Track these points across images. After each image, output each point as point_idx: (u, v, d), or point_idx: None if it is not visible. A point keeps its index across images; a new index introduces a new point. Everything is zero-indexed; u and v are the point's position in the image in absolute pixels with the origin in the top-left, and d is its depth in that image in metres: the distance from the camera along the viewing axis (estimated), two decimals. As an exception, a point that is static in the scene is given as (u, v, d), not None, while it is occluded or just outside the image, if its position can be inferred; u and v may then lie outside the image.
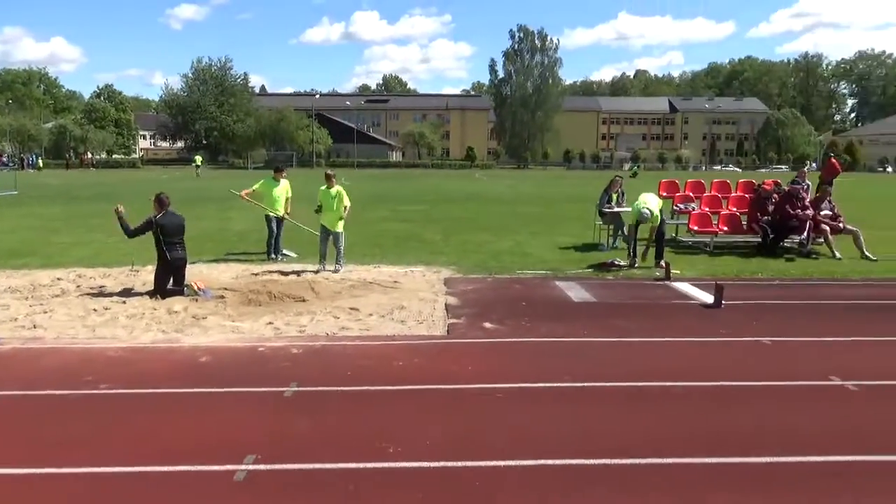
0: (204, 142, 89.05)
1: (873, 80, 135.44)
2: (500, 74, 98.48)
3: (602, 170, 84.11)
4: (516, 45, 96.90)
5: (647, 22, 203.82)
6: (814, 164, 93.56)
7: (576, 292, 8.71)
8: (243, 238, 13.48)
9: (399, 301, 8.27)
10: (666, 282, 9.47)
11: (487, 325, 7.07)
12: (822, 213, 11.96)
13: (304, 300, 8.45)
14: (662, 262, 10.13)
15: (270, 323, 7.19)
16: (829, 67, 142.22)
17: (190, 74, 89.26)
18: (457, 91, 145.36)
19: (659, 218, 10.35)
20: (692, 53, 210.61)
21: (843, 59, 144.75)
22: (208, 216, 17.94)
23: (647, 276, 9.86)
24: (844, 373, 5.43)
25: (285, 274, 9.81)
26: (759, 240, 12.01)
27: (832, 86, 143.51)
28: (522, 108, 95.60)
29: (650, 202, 10.27)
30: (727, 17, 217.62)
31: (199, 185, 36.69)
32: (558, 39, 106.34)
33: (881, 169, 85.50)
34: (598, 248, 12.42)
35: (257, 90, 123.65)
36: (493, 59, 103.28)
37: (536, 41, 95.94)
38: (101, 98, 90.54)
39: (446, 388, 5.13)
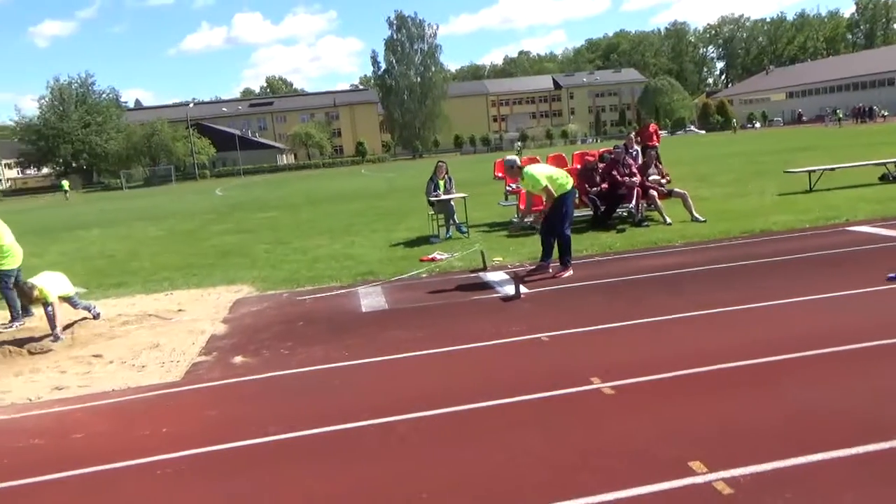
0: (73, 165, 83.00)
1: (736, 42, 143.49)
2: (383, 66, 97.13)
3: (493, 152, 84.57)
4: (395, 35, 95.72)
5: (529, 3, 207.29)
6: (692, 126, 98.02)
7: (371, 300, 7.71)
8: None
9: (158, 338, 7.02)
10: (481, 273, 8.67)
11: (238, 359, 5.95)
12: (649, 178, 11.55)
13: (45, 352, 7.05)
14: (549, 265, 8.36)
15: (-40, 395, 5.77)
16: (697, 33, 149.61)
17: (47, 96, 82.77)
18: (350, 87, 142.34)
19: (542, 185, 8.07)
20: (573, 31, 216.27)
21: (708, 24, 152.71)
22: None
23: (463, 269, 9.02)
24: (606, 372, 4.67)
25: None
26: (592, 213, 11.49)
27: (701, 50, 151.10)
28: (409, 97, 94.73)
29: (535, 172, 8.26)
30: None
31: (66, 211, 33.49)
32: (437, 25, 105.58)
33: (749, 125, 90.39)
34: (429, 241, 11.53)
35: (132, 105, 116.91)
36: (374, 51, 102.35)
37: (414, 29, 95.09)
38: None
39: (110, 468, 3.94)
